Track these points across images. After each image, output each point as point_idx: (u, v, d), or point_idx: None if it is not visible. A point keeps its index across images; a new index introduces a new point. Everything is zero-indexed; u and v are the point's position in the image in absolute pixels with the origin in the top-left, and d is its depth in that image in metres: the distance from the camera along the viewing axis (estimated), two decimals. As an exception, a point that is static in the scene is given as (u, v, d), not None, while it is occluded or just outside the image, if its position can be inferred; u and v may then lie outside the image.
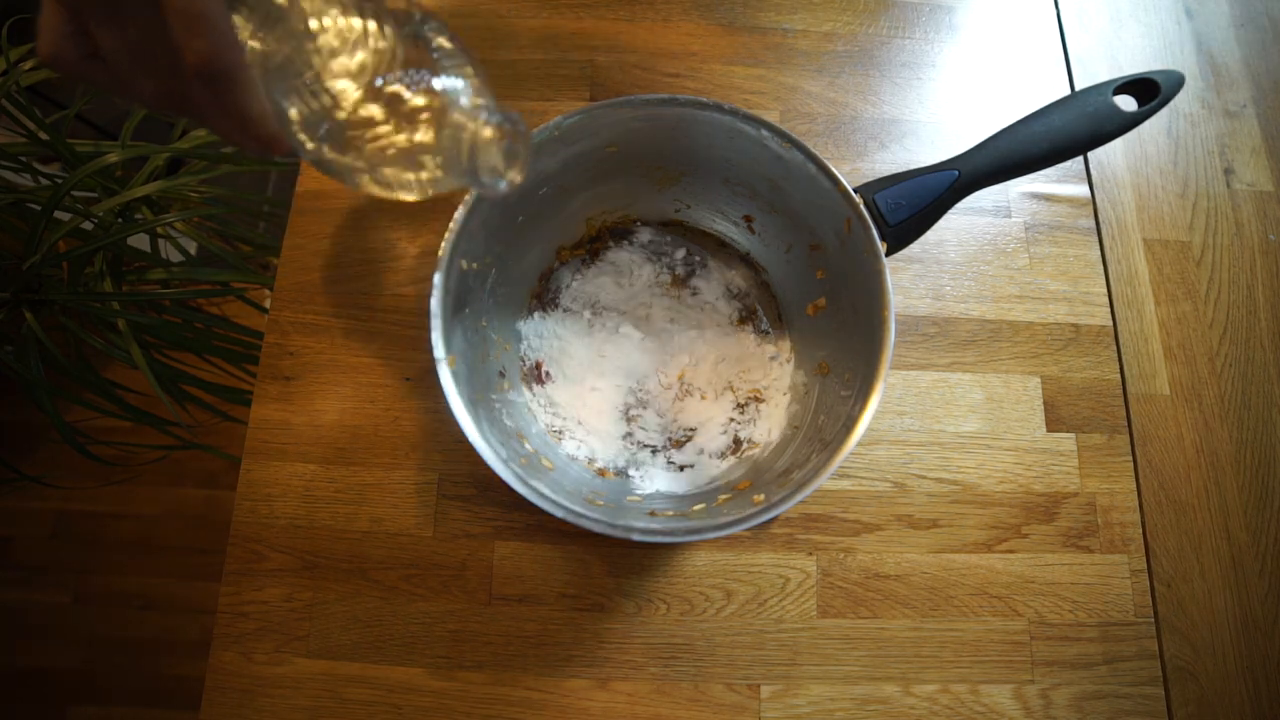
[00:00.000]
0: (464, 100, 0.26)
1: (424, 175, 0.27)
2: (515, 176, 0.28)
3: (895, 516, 0.44)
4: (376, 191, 0.27)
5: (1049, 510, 0.45)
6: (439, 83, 0.26)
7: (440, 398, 0.32)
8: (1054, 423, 0.46)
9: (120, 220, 0.71)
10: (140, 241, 0.82)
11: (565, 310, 0.47)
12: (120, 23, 0.22)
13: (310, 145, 0.26)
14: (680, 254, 0.48)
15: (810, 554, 0.43)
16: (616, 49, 0.54)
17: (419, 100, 0.26)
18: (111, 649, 1.07)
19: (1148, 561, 0.44)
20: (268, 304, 0.52)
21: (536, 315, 0.46)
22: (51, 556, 1.11)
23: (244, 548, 0.43)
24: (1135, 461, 0.46)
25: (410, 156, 0.26)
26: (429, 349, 0.33)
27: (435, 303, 0.34)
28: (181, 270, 0.74)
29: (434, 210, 0.50)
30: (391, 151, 0.26)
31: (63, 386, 0.71)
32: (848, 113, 0.53)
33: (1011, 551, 0.44)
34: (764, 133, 0.37)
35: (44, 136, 0.70)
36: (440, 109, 0.26)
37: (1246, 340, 0.50)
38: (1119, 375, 0.48)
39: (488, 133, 0.26)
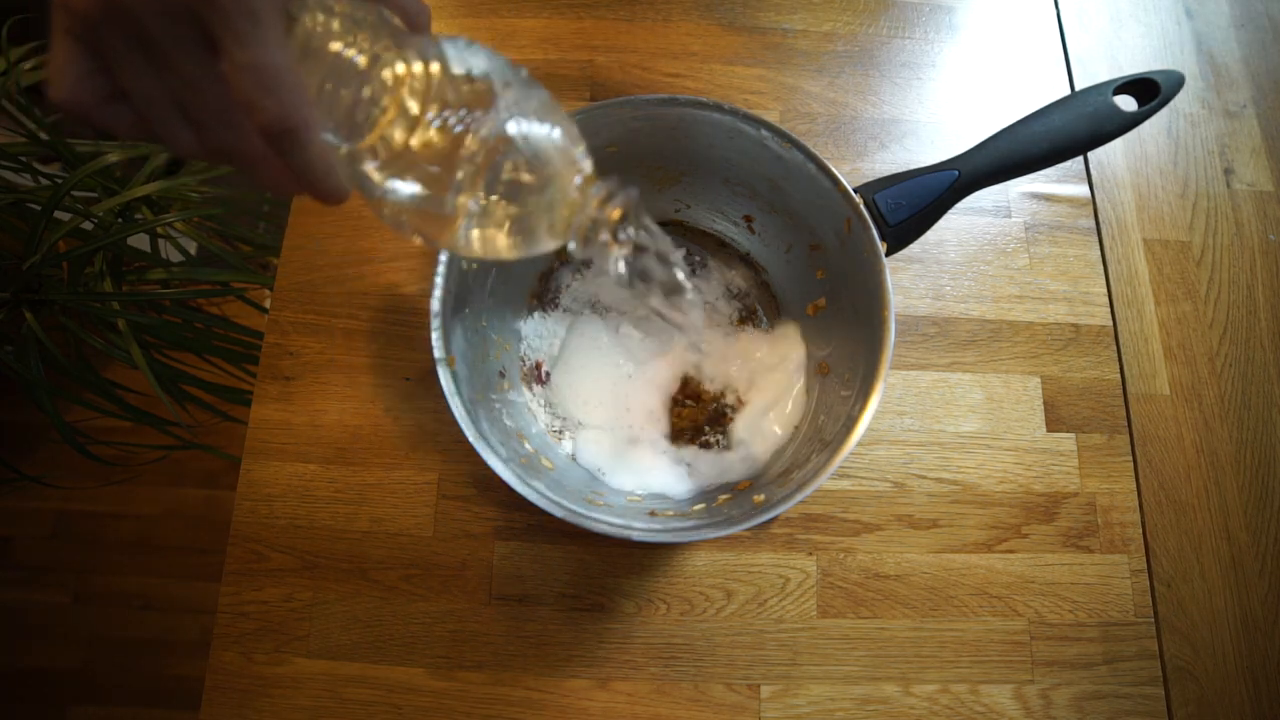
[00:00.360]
0: (576, 178, 0.23)
1: (519, 240, 0.24)
2: (625, 237, 0.25)
3: (895, 516, 0.44)
4: (452, 249, 0.24)
5: (1049, 510, 0.45)
6: (518, 129, 0.22)
7: (440, 398, 0.32)
8: (1054, 423, 0.46)
9: (120, 220, 0.71)
10: (140, 241, 0.82)
11: (565, 310, 0.47)
12: (159, 70, 0.19)
13: (383, 206, 0.23)
14: (680, 254, 0.48)
15: (810, 554, 0.43)
16: (616, 49, 0.54)
17: (508, 161, 0.22)
18: (111, 649, 1.07)
19: (1148, 561, 0.44)
20: (268, 304, 0.52)
21: (536, 315, 0.46)
22: (51, 556, 1.11)
23: (244, 548, 0.43)
24: (1135, 461, 0.46)
25: (502, 221, 0.23)
26: (429, 349, 0.33)
27: (435, 303, 0.34)
28: (181, 270, 0.74)
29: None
30: (477, 213, 0.23)
31: (63, 386, 0.71)
32: (848, 113, 0.53)
33: (1011, 551, 0.44)
34: (764, 133, 0.37)
35: (44, 136, 0.70)
36: (535, 170, 0.23)
37: (1246, 340, 0.50)
38: (1119, 375, 0.48)
39: (616, 214, 0.24)
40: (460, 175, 0.22)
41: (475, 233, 0.23)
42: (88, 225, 0.69)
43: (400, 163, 0.22)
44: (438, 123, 0.22)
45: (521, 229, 0.24)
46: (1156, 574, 0.44)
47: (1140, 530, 0.45)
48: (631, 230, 0.25)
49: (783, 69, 0.54)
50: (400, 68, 0.22)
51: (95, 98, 0.20)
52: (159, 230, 0.75)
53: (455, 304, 0.36)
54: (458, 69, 0.22)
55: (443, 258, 0.35)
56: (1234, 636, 0.44)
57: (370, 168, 0.22)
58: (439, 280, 0.34)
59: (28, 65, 0.71)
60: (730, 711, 0.41)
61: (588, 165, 0.24)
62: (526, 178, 0.23)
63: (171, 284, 0.78)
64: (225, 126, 0.21)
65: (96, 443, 0.73)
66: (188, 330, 0.75)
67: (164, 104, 0.20)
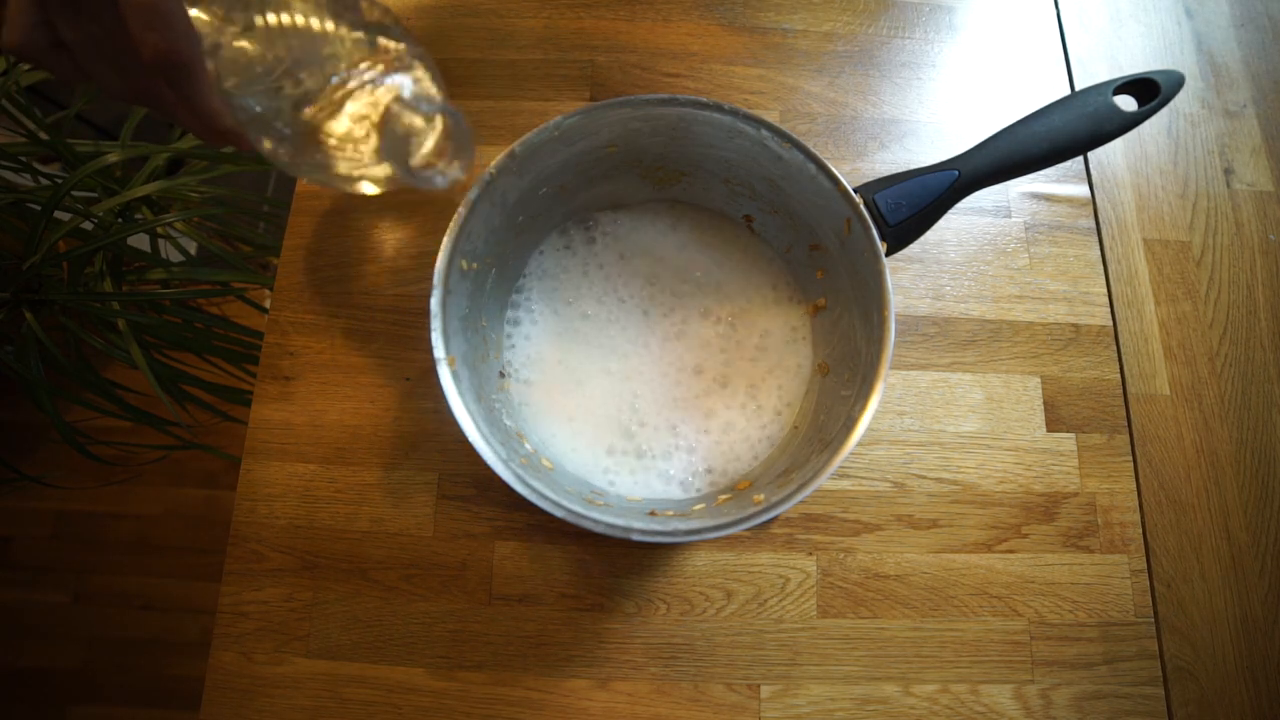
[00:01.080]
0: (405, 93, 0.27)
1: (371, 171, 0.27)
2: (454, 173, 0.29)
3: (895, 516, 0.44)
4: (333, 186, 0.28)
5: (1049, 510, 0.45)
6: (391, 80, 0.26)
7: (440, 398, 0.32)
8: (1054, 423, 0.46)
9: (120, 220, 0.71)
10: (140, 241, 0.82)
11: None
12: (79, 16, 0.22)
13: (267, 143, 0.26)
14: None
15: (810, 554, 0.43)
16: (616, 49, 0.54)
17: (372, 100, 0.26)
18: (111, 649, 1.07)
19: (1148, 561, 0.44)
20: (268, 304, 0.52)
21: (536, 315, 0.46)
22: (51, 556, 1.11)
23: (244, 548, 0.43)
24: (1135, 461, 0.46)
25: (360, 153, 0.27)
26: (429, 349, 0.33)
27: (435, 303, 0.34)
28: (181, 270, 0.74)
29: (433, 210, 0.50)
30: (343, 149, 0.26)
31: (63, 386, 0.71)
32: (848, 113, 0.53)
33: (1011, 551, 0.44)
34: (764, 133, 0.37)
35: (44, 136, 0.70)
36: (388, 105, 0.27)
37: (1246, 340, 0.50)
38: (1119, 375, 0.48)
39: (419, 121, 0.27)
40: (338, 114, 0.26)
41: (341, 167, 0.27)
42: (88, 225, 0.69)
43: (295, 103, 0.25)
44: (350, 86, 0.25)
45: (376, 159, 0.28)
46: (1156, 574, 0.44)
47: (1140, 530, 0.45)
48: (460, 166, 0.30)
49: (783, 69, 0.54)
50: (315, 23, 0.25)
51: (42, 45, 0.23)
52: (159, 230, 0.75)
53: (455, 304, 0.36)
54: (365, 34, 0.26)
55: (443, 257, 0.35)
56: (1234, 636, 0.44)
57: (268, 104, 0.25)
58: (439, 280, 0.34)
59: (28, 65, 0.71)
60: (730, 711, 0.41)
61: (431, 91, 0.28)
62: (406, 122, 0.27)
63: (171, 284, 0.78)
64: (136, 68, 0.23)
65: (96, 443, 0.73)
66: (188, 330, 0.75)
67: (92, 51, 0.23)
